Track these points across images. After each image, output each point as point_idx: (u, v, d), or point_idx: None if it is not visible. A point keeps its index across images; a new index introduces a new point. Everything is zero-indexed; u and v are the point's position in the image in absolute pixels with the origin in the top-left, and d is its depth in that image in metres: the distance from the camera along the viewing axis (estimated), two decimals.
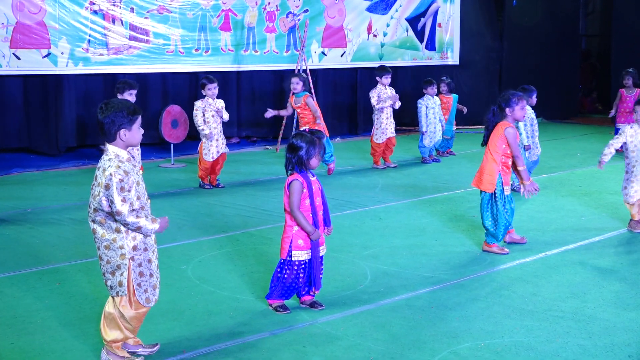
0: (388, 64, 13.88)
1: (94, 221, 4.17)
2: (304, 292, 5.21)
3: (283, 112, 10.68)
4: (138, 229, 4.10)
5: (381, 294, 5.52)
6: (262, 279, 5.78)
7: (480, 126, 15.25)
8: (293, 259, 5.06)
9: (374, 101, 10.95)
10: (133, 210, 4.07)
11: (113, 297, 4.25)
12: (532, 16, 17.22)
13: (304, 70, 12.55)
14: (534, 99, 9.00)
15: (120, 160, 4.11)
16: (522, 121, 6.53)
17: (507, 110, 6.43)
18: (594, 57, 20.06)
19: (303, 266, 5.08)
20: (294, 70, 12.68)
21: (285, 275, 5.08)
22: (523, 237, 6.86)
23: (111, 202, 4.02)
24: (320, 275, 5.21)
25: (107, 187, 4.02)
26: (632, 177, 7.18)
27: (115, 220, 4.12)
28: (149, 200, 4.29)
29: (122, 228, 4.14)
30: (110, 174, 4.03)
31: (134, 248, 4.19)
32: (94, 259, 6.13)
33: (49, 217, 7.91)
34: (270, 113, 10.32)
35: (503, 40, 16.95)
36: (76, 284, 5.72)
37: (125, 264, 4.17)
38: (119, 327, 4.29)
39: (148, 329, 4.64)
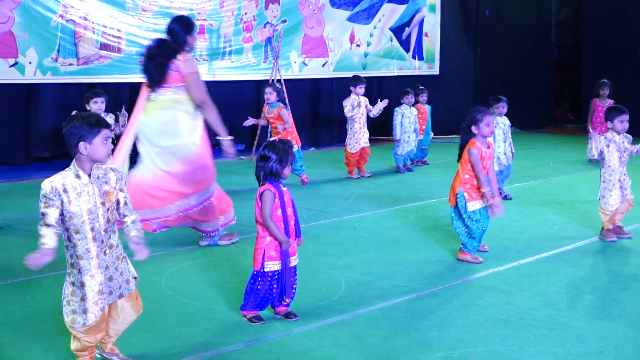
0: (373, 73, 13.99)
1: None
2: (278, 303, 5.20)
3: (261, 122, 10.70)
4: (39, 237, 4.02)
5: (356, 304, 5.51)
6: (236, 290, 5.75)
7: (454, 135, 15.39)
8: (266, 269, 5.04)
9: (346, 110, 10.99)
10: (47, 224, 4.00)
11: None
12: (504, 26, 17.38)
13: (279, 81, 12.55)
14: (502, 109, 9.09)
15: (64, 176, 4.04)
16: (489, 136, 6.57)
17: (473, 128, 6.48)
18: (566, 66, 20.25)
19: (276, 277, 5.07)
20: (268, 80, 12.69)
21: (259, 287, 5.07)
22: (483, 245, 6.84)
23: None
24: (294, 286, 5.20)
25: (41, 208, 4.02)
26: (610, 185, 7.19)
27: (67, 229, 4.08)
28: (102, 222, 4.14)
29: (69, 243, 4.10)
30: (42, 185, 4.01)
31: (71, 265, 4.14)
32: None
33: (20, 229, 7.82)
34: (250, 121, 10.35)
35: (477, 51, 17.07)
36: (49, 297, 5.66)
37: (65, 278, 4.16)
38: (75, 337, 4.25)
39: (121, 341, 4.59)
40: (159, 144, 6.84)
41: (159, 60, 6.77)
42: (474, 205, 6.46)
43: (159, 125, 6.83)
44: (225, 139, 7.04)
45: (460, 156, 6.57)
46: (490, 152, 6.55)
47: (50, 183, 3.99)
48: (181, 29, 6.91)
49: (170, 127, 6.82)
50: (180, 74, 6.77)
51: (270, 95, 10.15)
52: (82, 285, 4.11)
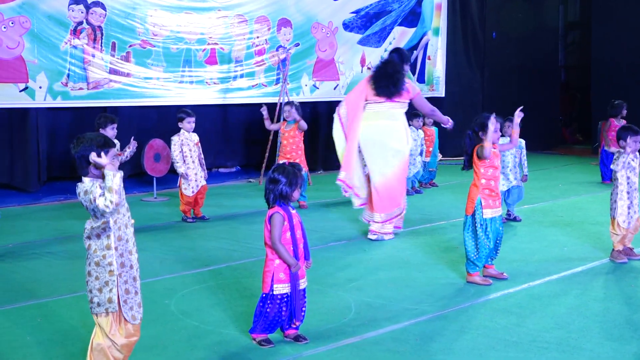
0: None
1: (89, 237, 4.20)
2: (287, 326, 5.19)
3: (272, 126, 11.02)
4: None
5: (365, 327, 5.50)
6: (245, 313, 5.75)
7: (461, 157, 15.38)
8: (275, 292, 5.03)
9: None
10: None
11: (100, 326, 4.22)
12: (512, 48, 17.42)
13: (287, 103, 12.60)
14: (508, 129, 9.06)
15: (100, 185, 4.12)
16: (497, 143, 6.61)
17: (481, 134, 6.50)
18: (574, 88, 20.29)
19: (285, 299, 5.06)
20: (275, 103, 12.73)
21: (268, 309, 5.06)
22: (502, 273, 6.78)
23: (103, 207, 4.02)
24: (304, 309, 5.19)
25: (94, 200, 4.05)
26: (620, 196, 7.18)
27: (108, 237, 4.15)
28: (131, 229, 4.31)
29: (112, 245, 4.16)
30: (93, 190, 4.06)
31: (122, 265, 4.21)
32: (77, 294, 6.10)
33: (30, 252, 7.84)
34: (265, 110, 10.84)
35: (484, 72, 17.11)
36: (60, 320, 5.67)
37: (114, 281, 4.18)
38: (107, 358, 4.24)
39: None
40: (393, 146, 8.33)
41: (398, 77, 8.36)
42: (487, 213, 6.45)
43: (392, 132, 8.36)
44: (449, 124, 8.93)
45: (469, 162, 6.57)
46: (497, 152, 6.59)
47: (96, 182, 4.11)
48: (400, 58, 8.65)
49: (399, 134, 8.39)
50: (409, 94, 8.47)
51: (289, 112, 10.35)
52: (135, 279, 4.32)
